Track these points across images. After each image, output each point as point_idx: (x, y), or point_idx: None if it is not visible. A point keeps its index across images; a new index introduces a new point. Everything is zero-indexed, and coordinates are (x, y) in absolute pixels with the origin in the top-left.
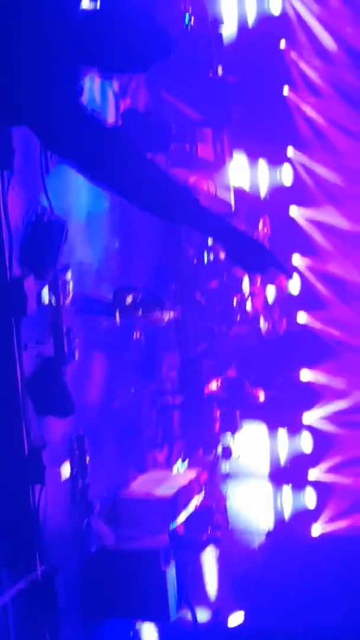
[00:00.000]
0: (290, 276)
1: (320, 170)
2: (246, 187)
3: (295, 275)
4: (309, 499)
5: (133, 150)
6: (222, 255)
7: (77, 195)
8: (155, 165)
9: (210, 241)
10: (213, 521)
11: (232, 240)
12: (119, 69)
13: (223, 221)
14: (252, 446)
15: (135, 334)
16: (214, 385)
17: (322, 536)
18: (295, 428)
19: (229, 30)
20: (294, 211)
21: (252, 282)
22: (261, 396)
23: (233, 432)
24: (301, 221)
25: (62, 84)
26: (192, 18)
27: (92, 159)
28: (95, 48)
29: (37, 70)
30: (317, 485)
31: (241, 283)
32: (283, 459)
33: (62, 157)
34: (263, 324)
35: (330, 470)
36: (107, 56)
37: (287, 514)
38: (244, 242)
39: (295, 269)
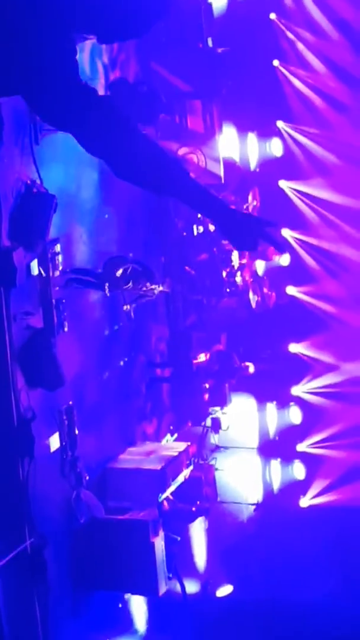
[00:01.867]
0: (283, 251)
1: (310, 143)
2: (236, 159)
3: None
4: (298, 471)
5: (127, 122)
6: (212, 228)
7: (66, 167)
8: (147, 138)
9: (199, 215)
10: (202, 493)
11: (222, 216)
12: (117, 35)
13: (213, 196)
14: (241, 419)
15: (124, 306)
16: (203, 358)
17: (311, 508)
18: (284, 401)
19: (219, 2)
20: (284, 184)
21: (241, 255)
22: (250, 369)
23: (222, 405)
24: (290, 194)
25: (59, 55)
26: None
27: (88, 130)
28: (92, 14)
29: (32, 42)
30: (305, 457)
31: (230, 256)
32: (272, 432)
33: (58, 128)
34: (252, 297)
35: (318, 443)
36: (104, 22)
37: (275, 486)
38: (234, 218)
39: (285, 242)
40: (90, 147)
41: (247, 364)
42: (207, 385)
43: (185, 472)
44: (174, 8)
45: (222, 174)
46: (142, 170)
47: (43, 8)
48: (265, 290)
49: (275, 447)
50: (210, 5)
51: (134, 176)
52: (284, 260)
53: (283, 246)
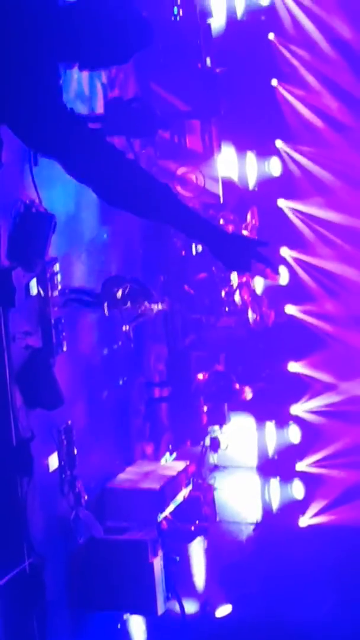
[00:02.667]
0: (276, 271)
1: (309, 162)
2: (235, 178)
3: (283, 268)
4: (297, 490)
5: (113, 148)
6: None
7: (65, 187)
8: (133, 163)
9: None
10: (201, 513)
11: (213, 238)
12: (99, 63)
13: (203, 219)
14: (240, 438)
15: (123, 326)
16: (202, 378)
17: (310, 528)
18: (283, 420)
19: (217, 22)
20: (282, 203)
21: (240, 274)
22: (248, 395)
23: (221, 425)
24: (289, 213)
25: (42, 82)
26: (181, 10)
27: (73, 157)
28: (74, 42)
29: (15, 70)
30: (304, 477)
31: (229, 275)
32: (271, 451)
33: (44, 155)
34: (251, 316)
35: (318, 462)
36: (86, 50)
37: (275, 506)
38: (225, 240)
39: (284, 261)
40: (76, 174)
41: (245, 388)
42: (205, 408)
43: (184, 492)
44: (160, 35)
45: (220, 193)
46: (129, 196)
47: (25, 36)
48: (264, 309)
49: (275, 466)
50: (209, 25)
51: (121, 202)
52: (282, 279)
53: (277, 266)
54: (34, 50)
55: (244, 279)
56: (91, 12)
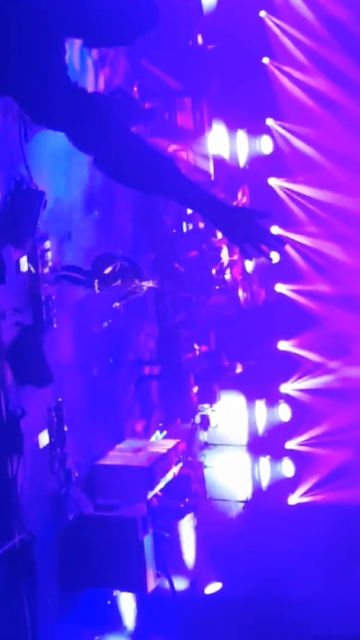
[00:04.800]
0: (279, 245)
1: (300, 141)
2: (225, 156)
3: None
4: (287, 468)
5: (116, 120)
6: (201, 225)
7: (56, 164)
8: (136, 136)
9: (189, 211)
10: (191, 490)
11: (214, 209)
12: (105, 41)
13: (203, 191)
14: (230, 416)
15: (114, 304)
16: (192, 355)
17: (299, 505)
18: (273, 399)
19: None
20: (273, 182)
21: (230, 252)
22: (238, 369)
23: (211, 403)
24: (280, 192)
25: (49, 56)
26: None
27: (77, 129)
28: (81, 19)
29: (22, 44)
30: (294, 455)
31: (220, 253)
32: (261, 429)
33: (48, 127)
34: (241, 294)
35: (307, 440)
36: (93, 28)
37: (264, 484)
38: (225, 211)
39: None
40: (81, 145)
41: (236, 363)
42: (195, 387)
43: (174, 469)
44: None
45: (211, 171)
46: (131, 168)
47: (33, 11)
48: (254, 287)
49: (264, 444)
50: (199, 2)
51: (123, 175)
52: (273, 257)
53: (276, 239)
54: (41, 24)
55: (235, 257)
56: None
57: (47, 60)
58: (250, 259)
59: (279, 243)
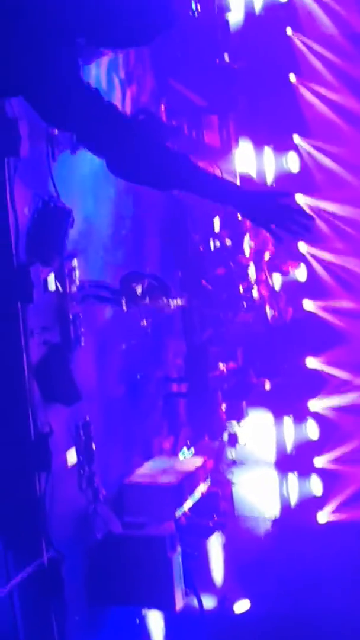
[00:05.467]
0: (307, 222)
1: (326, 158)
2: (252, 174)
3: (302, 265)
4: (315, 486)
5: (128, 121)
6: (228, 243)
7: (83, 182)
8: (147, 135)
9: (217, 227)
10: (219, 508)
11: (236, 197)
12: (119, 42)
13: (222, 180)
14: (258, 433)
15: (141, 321)
16: (220, 373)
17: (328, 523)
18: (301, 415)
19: (235, 17)
20: (300, 199)
21: (258, 270)
22: (267, 385)
23: (239, 420)
24: (307, 209)
25: (61, 57)
26: (199, 5)
27: (89, 131)
28: (94, 19)
29: (35, 44)
30: (322, 473)
31: (247, 270)
32: (289, 447)
33: (59, 128)
34: (269, 311)
35: (336, 458)
36: (107, 28)
37: (293, 501)
38: (248, 195)
39: (302, 257)
40: (92, 146)
41: (264, 380)
42: (224, 407)
43: (202, 487)
44: (179, 20)
45: None
46: (146, 166)
47: (45, 11)
48: (282, 304)
49: (292, 461)
50: (227, 20)
51: (138, 174)
52: (300, 274)
53: (303, 215)
54: (53, 24)
55: (262, 274)
56: None
57: (58, 59)
58: (282, 242)
59: (307, 219)
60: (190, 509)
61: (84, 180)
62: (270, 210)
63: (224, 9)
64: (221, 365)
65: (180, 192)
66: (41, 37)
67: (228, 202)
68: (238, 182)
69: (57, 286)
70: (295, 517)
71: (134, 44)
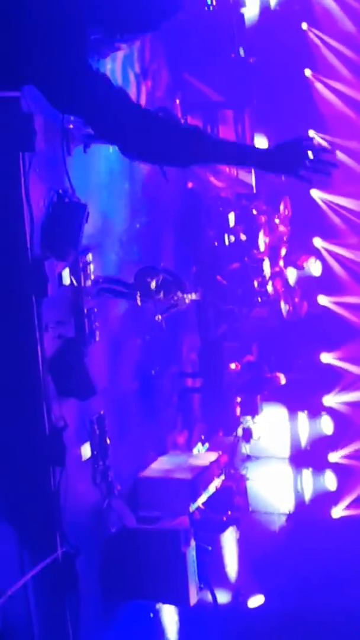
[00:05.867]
0: (328, 173)
1: (342, 153)
2: None
3: (317, 260)
4: (329, 481)
5: (137, 106)
6: (243, 237)
7: (98, 177)
8: (160, 117)
9: (232, 222)
10: (233, 503)
11: (259, 157)
12: (129, 28)
13: (241, 145)
14: (272, 429)
15: (156, 316)
16: (234, 368)
17: (343, 519)
18: (315, 411)
19: (250, 12)
20: (315, 194)
21: (273, 265)
22: (282, 379)
23: (253, 415)
24: (322, 204)
25: (71, 44)
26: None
27: (102, 116)
28: (104, 7)
29: (45, 31)
30: (337, 468)
31: (262, 265)
32: (303, 442)
33: (70, 114)
34: (284, 307)
35: (350, 453)
36: (116, 15)
37: (307, 496)
38: (271, 153)
39: (316, 252)
40: (107, 131)
41: (279, 374)
42: (238, 400)
43: (217, 482)
44: (187, 5)
45: (253, 183)
46: (163, 145)
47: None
48: (296, 299)
49: (307, 457)
50: (242, 15)
51: (155, 153)
52: (315, 269)
53: (324, 150)
54: (63, 12)
55: (277, 269)
56: None
57: (68, 46)
58: (311, 182)
59: (328, 153)
60: (204, 504)
61: (99, 175)
62: (295, 158)
63: (239, 3)
64: (233, 366)
65: (200, 166)
66: (51, 23)
67: (248, 164)
68: (253, 177)
69: (71, 280)
70: (309, 512)
71: (142, 30)
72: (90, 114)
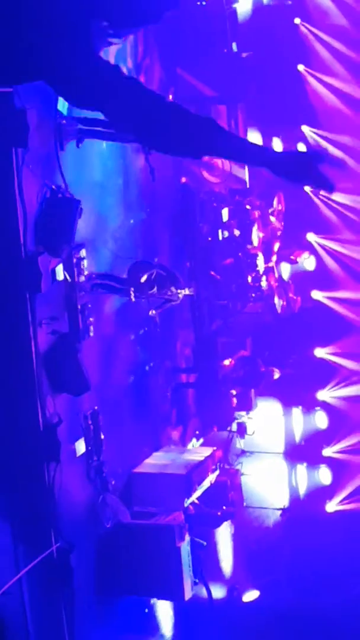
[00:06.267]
0: (332, 189)
1: (335, 148)
2: None
3: (311, 255)
4: (324, 476)
5: (152, 94)
6: (237, 233)
7: (91, 172)
8: (176, 105)
9: (225, 217)
10: (228, 498)
11: (269, 160)
12: (129, 21)
13: (254, 145)
14: (267, 424)
15: (150, 312)
16: (228, 363)
17: (337, 513)
18: (310, 406)
19: (243, 7)
20: (309, 189)
21: (267, 260)
22: (276, 374)
23: (248, 410)
24: (315, 199)
25: (78, 38)
26: None
27: (114, 105)
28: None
29: (52, 27)
30: (331, 462)
31: (256, 260)
32: (298, 437)
33: (86, 108)
34: (277, 302)
35: (345, 448)
36: (118, 8)
37: (302, 491)
38: (279, 157)
39: (310, 247)
40: (120, 121)
41: (273, 369)
42: (234, 392)
43: (211, 477)
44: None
45: (247, 178)
46: (177, 136)
47: None
48: (290, 294)
49: (301, 452)
50: (235, 10)
51: (169, 144)
52: (309, 264)
53: (333, 162)
54: (67, 8)
55: (272, 263)
56: None
57: (75, 41)
58: (329, 190)
59: (339, 165)
60: (199, 499)
61: (93, 171)
62: (308, 172)
63: None
64: (227, 362)
65: (211, 158)
66: (58, 19)
67: (260, 164)
68: (247, 172)
69: (65, 276)
70: (304, 507)
71: (143, 23)
72: (105, 106)
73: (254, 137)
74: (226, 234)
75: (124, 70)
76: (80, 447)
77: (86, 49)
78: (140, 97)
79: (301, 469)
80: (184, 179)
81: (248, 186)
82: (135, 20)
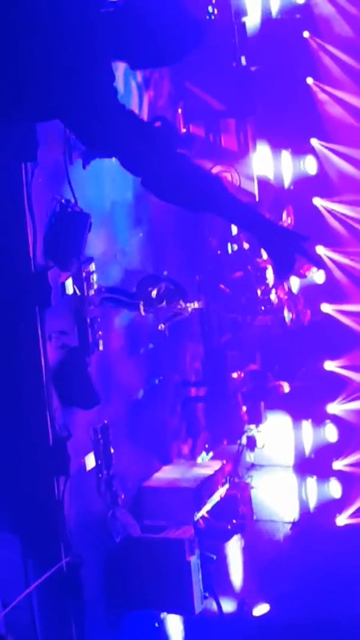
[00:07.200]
0: (321, 267)
1: (344, 162)
2: (270, 177)
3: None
4: (334, 489)
5: (165, 143)
6: (246, 246)
7: (100, 186)
8: (185, 158)
9: (235, 231)
10: (238, 512)
11: (263, 231)
12: (151, 62)
13: (253, 211)
14: (276, 437)
15: (159, 325)
16: (237, 376)
17: (347, 527)
18: (319, 419)
19: (252, 20)
20: (318, 202)
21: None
22: (285, 388)
23: (257, 423)
24: (325, 212)
25: (97, 81)
26: (215, 8)
27: (129, 153)
28: (127, 41)
29: (72, 69)
30: (341, 476)
31: (265, 273)
32: (308, 450)
33: (100, 152)
34: (287, 315)
35: (355, 461)
36: (139, 49)
37: (312, 505)
38: (274, 233)
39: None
40: (130, 167)
41: (282, 383)
42: (244, 408)
43: (221, 491)
44: (207, 37)
45: (256, 192)
46: (180, 189)
47: (80, 36)
48: (300, 307)
49: (311, 465)
50: (243, 24)
51: (172, 195)
52: (318, 277)
53: (319, 262)
54: (87, 48)
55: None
56: (144, 11)
57: (95, 83)
58: (285, 280)
59: (319, 264)
60: (209, 513)
61: (102, 185)
62: (290, 254)
63: (241, 12)
64: (236, 375)
65: (210, 216)
66: (75, 60)
67: (254, 234)
68: (256, 186)
69: (74, 290)
70: (314, 520)
71: (165, 63)
72: (116, 149)
73: (263, 150)
74: (235, 247)
75: (137, 113)
76: (90, 461)
77: (104, 91)
78: (152, 146)
79: (311, 482)
80: None
81: (257, 199)
82: (158, 61)
